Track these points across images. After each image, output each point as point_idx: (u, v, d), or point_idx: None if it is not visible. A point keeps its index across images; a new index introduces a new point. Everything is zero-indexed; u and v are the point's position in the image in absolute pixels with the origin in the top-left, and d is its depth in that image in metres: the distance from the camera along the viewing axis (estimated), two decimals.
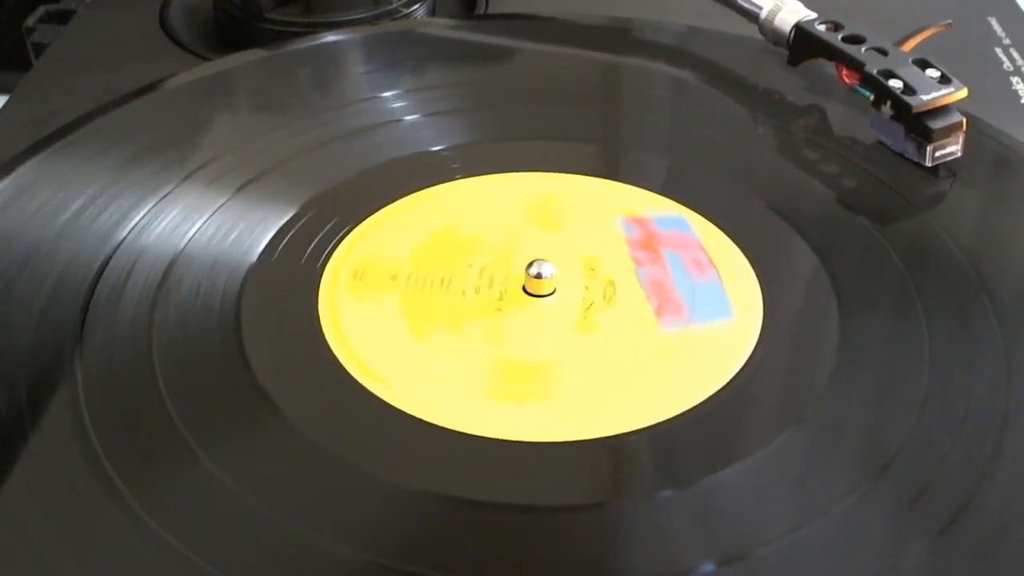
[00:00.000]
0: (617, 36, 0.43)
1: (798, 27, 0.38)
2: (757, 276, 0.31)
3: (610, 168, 0.36)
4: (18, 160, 0.34)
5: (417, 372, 0.28)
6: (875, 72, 0.35)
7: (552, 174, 0.35)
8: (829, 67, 0.37)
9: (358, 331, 0.29)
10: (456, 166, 0.35)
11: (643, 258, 0.31)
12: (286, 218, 0.32)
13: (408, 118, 0.38)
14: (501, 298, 0.30)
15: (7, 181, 0.33)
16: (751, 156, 0.36)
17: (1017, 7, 0.50)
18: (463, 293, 0.30)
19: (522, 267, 0.30)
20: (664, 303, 0.30)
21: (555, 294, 0.30)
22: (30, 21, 0.48)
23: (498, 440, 0.26)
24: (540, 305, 0.30)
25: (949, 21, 0.39)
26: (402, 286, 0.30)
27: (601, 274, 0.31)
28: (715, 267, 0.31)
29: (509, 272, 0.31)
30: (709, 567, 0.23)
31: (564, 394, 0.27)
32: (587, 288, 0.30)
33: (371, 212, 0.33)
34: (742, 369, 0.28)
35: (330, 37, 0.42)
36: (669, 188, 0.34)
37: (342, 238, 0.32)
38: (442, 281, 0.31)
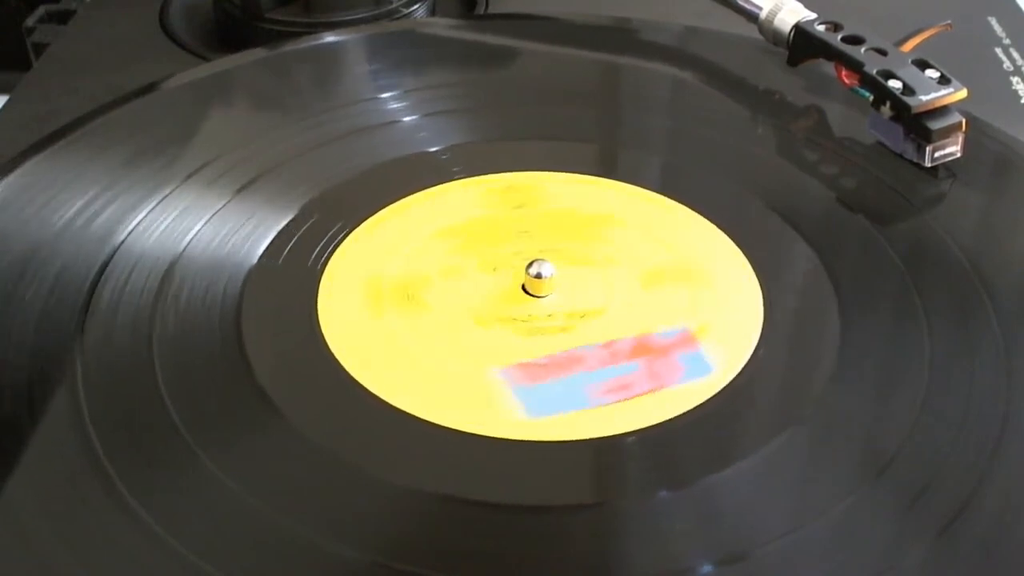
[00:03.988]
0: (617, 36, 0.43)
1: (797, 27, 0.38)
2: (757, 276, 0.31)
3: (610, 168, 0.36)
4: (18, 160, 0.34)
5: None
6: (874, 72, 0.35)
7: (555, 174, 0.35)
8: (829, 67, 0.37)
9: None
10: (447, 158, 0.35)
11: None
12: (286, 219, 0.32)
13: (408, 118, 0.38)
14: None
15: (7, 181, 0.33)
16: (751, 156, 0.36)
17: (1017, 7, 0.50)
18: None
19: (515, 269, 0.31)
20: (536, 367, 0.28)
21: (556, 292, 0.30)
22: (30, 21, 0.48)
23: (498, 440, 0.26)
24: (539, 305, 0.30)
25: (949, 21, 0.39)
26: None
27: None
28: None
29: (503, 275, 0.31)
30: (709, 567, 0.23)
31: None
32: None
33: (371, 213, 0.33)
34: (742, 369, 0.28)
35: (330, 37, 0.42)
36: (669, 188, 0.34)
37: (342, 239, 0.32)
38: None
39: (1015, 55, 0.45)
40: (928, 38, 0.38)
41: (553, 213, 0.34)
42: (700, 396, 0.27)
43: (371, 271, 0.31)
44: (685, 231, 0.33)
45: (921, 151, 0.34)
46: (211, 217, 0.32)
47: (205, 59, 0.44)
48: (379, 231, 0.33)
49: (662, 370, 0.28)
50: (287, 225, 0.32)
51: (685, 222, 0.33)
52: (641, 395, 0.27)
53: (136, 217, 0.32)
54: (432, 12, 0.48)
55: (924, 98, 0.34)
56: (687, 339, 0.29)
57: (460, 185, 0.35)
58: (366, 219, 0.33)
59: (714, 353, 0.28)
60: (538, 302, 0.30)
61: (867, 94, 0.35)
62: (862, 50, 0.36)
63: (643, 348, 0.28)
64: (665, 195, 0.34)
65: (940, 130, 0.34)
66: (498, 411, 0.27)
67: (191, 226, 0.32)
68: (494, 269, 0.31)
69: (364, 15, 0.45)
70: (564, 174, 0.35)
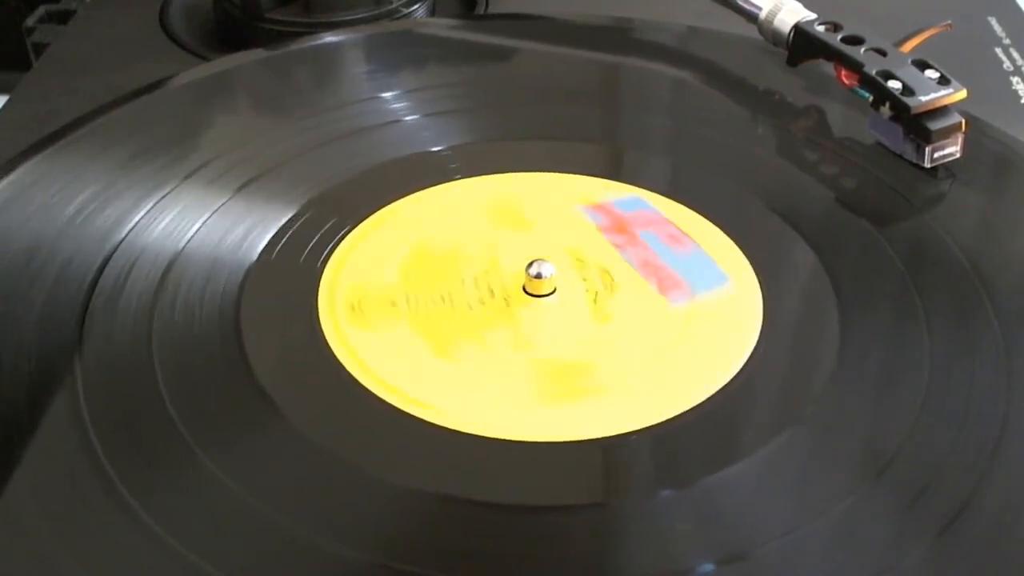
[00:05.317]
0: (617, 36, 0.43)
1: (797, 28, 0.38)
2: (757, 276, 0.31)
3: (610, 168, 0.36)
4: (18, 160, 0.34)
5: (416, 371, 0.28)
6: (874, 73, 0.35)
7: (551, 174, 0.35)
8: (829, 67, 0.37)
9: (357, 329, 0.29)
10: (454, 165, 0.35)
11: (622, 242, 0.31)
12: (286, 218, 0.32)
13: (408, 118, 0.38)
14: (506, 302, 0.30)
15: (7, 181, 0.33)
16: (751, 156, 0.36)
17: (1017, 7, 0.50)
18: (466, 305, 0.30)
19: (514, 269, 0.30)
20: (663, 281, 0.30)
21: (556, 292, 0.30)
22: (30, 21, 0.48)
23: (498, 440, 0.26)
24: (543, 304, 0.30)
25: (949, 21, 0.39)
26: (402, 309, 0.30)
27: (592, 264, 0.31)
28: (690, 237, 0.32)
29: (503, 276, 0.31)
30: (709, 567, 0.23)
31: (565, 394, 0.27)
32: (585, 280, 0.30)
33: (371, 212, 0.33)
34: (742, 369, 0.28)
35: (330, 37, 0.42)
36: (669, 188, 0.34)
37: (342, 238, 0.32)
38: (441, 298, 0.30)
39: (1015, 55, 0.45)
40: (928, 38, 0.38)
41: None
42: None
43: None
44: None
45: (920, 151, 0.34)
46: (211, 216, 0.32)
47: (205, 59, 0.44)
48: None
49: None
50: (287, 224, 0.32)
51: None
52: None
53: (136, 216, 0.32)
54: (432, 12, 0.48)
55: (924, 98, 0.34)
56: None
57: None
58: (366, 218, 0.33)
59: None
60: (540, 300, 0.30)
61: (867, 94, 0.35)
62: (862, 50, 0.36)
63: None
64: (665, 195, 0.34)
65: (940, 131, 0.34)
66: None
67: (191, 225, 0.32)
68: (486, 276, 0.31)
69: (364, 15, 0.45)
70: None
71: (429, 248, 0.32)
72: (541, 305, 0.30)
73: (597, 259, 0.31)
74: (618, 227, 0.31)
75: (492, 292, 0.30)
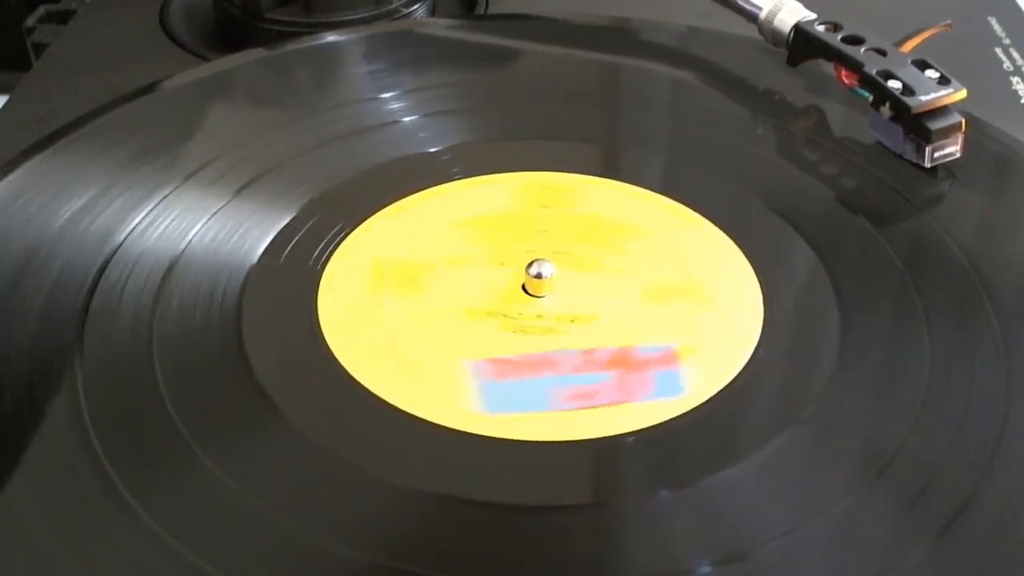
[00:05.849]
0: (617, 36, 0.43)
1: (797, 27, 0.38)
2: (757, 276, 0.31)
3: (610, 168, 0.36)
4: (18, 160, 0.34)
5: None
6: (874, 73, 0.35)
7: (555, 173, 0.35)
8: (829, 67, 0.37)
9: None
10: (456, 169, 0.35)
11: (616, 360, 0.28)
12: (286, 219, 0.32)
13: (408, 118, 0.38)
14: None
15: (7, 181, 0.33)
16: (751, 156, 0.36)
17: (1017, 7, 0.50)
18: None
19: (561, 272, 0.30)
20: (507, 364, 0.28)
21: (544, 298, 0.30)
22: (30, 21, 0.48)
23: (498, 440, 0.26)
24: (534, 304, 0.30)
25: (949, 21, 0.39)
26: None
27: (598, 333, 0.29)
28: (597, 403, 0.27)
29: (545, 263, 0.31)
30: (709, 567, 0.23)
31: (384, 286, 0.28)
32: (570, 321, 0.29)
33: (371, 213, 0.33)
34: (742, 369, 0.28)
35: (330, 37, 0.42)
36: (669, 188, 0.34)
37: (342, 239, 0.32)
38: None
39: (1015, 55, 0.45)
40: (928, 38, 0.38)
41: (577, 217, 0.33)
42: (700, 396, 0.27)
43: (372, 267, 0.31)
44: (699, 246, 0.32)
45: (921, 151, 0.34)
46: (211, 217, 0.32)
47: (205, 59, 0.44)
48: (379, 231, 0.33)
49: (632, 384, 0.27)
50: (287, 225, 0.32)
51: (704, 236, 0.33)
52: (603, 406, 0.27)
53: (136, 217, 0.32)
54: (432, 12, 0.48)
55: (924, 98, 0.34)
56: (668, 357, 0.28)
57: (496, 179, 0.35)
58: (366, 219, 0.33)
59: (691, 376, 0.28)
60: (534, 301, 0.30)
61: (867, 94, 0.35)
62: (862, 50, 0.36)
63: (621, 360, 0.28)
64: (665, 195, 0.34)
65: (940, 130, 0.34)
66: (469, 404, 0.27)
67: (191, 226, 0.32)
68: (501, 264, 0.31)
69: (364, 15, 0.45)
70: (600, 179, 0.35)
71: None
72: (534, 305, 0.30)
73: (608, 335, 0.29)
74: (635, 365, 0.28)
75: (494, 285, 0.30)
